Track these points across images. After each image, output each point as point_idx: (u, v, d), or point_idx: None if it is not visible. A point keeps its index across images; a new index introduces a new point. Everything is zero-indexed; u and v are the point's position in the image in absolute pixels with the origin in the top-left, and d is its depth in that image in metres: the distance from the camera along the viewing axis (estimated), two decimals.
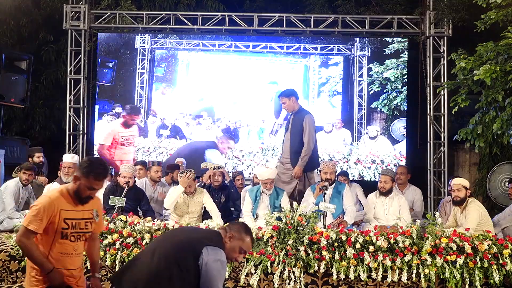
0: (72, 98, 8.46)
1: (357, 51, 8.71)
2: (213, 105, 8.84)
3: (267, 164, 6.07)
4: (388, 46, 8.66)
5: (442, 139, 8.21)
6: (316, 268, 4.15)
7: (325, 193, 5.07)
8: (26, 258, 4.30)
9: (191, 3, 10.21)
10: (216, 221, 4.84)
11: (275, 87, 8.73)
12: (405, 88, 8.62)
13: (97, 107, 8.73)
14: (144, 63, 8.79)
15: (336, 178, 5.58)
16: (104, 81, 8.73)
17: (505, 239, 4.38)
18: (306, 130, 5.47)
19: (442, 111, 8.21)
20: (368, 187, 6.62)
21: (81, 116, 8.44)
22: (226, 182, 6.31)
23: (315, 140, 5.60)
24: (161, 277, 2.69)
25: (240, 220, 5.00)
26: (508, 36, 5.31)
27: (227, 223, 3.28)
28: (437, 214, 4.54)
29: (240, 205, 6.13)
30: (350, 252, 4.16)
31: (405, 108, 8.60)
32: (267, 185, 5.17)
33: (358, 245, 4.19)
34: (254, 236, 4.37)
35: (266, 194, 5.25)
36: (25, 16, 9.37)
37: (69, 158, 5.77)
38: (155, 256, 2.75)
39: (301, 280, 4.13)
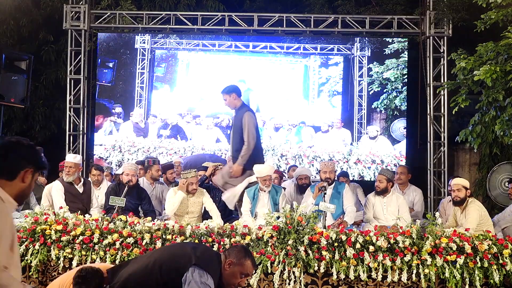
0: (72, 98, 8.45)
1: (357, 51, 8.71)
2: (213, 105, 8.83)
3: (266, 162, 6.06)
4: (388, 46, 8.65)
5: (442, 139, 8.20)
6: (316, 268, 4.15)
7: (325, 193, 5.07)
8: (26, 258, 4.32)
9: (191, 3, 10.20)
10: (216, 221, 4.84)
11: (243, 85, 8.73)
12: (405, 88, 8.62)
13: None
14: (144, 63, 8.79)
15: (336, 179, 5.58)
16: (104, 81, 8.73)
17: (505, 239, 4.38)
18: (246, 127, 5.40)
19: (442, 111, 8.20)
20: (368, 187, 6.62)
21: (81, 116, 8.44)
22: None
23: (256, 138, 5.48)
24: (142, 279, 2.82)
25: (240, 219, 5.00)
26: (508, 36, 5.32)
27: (227, 249, 3.39)
28: (437, 214, 4.54)
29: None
30: (350, 252, 4.16)
31: (405, 108, 8.60)
32: (266, 181, 5.16)
33: (358, 245, 4.19)
34: (254, 236, 4.38)
35: (264, 191, 5.24)
36: (25, 16, 9.36)
37: (71, 158, 5.75)
38: (149, 259, 2.90)
39: (301, 280, 4.14)
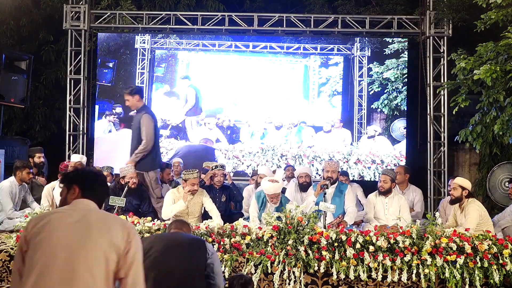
0: (72, 98, 8.46)
1: (357, 51, 8.71)
2: (214, 105, 8.84)
3: (274, 175, 5.84)
4: (388, 46, 8.65)
5: (442, 139, 8.21)
6: (316, 268, 4.15)
7: (325, 193, 5.06)
8: None
9: (191, 3, 10.21)
10: (216, 221, 4.84)
11: (187, 82, 8.77)
12: (405, 88, 8.62)
13: (97, 107, 8.72)
14: (144, 63, 8.79)
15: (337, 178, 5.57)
16: (104, 81, 8.73)
17: (505, 239, 4.38)
18: (143, 128, 5.46)
19: (442, 111, 8.21)
20: (368, 187, 6.62)
21: (81, 116, 8.44)
22: (227, 183, 6.30)
23: (155, 140, 5.53)
24: (194, 275, 2.98)
25: (240, 220, 4.94)
26: (508, 36, 5.32)
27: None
28: (437, 214, 4.54)
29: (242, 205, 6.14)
30: (350, 252, 4.16)
31: (405, 108, 8.60)
32: (273, 199, 5.09)
33: (358, 245, 4.19)
34: (254, 236, 4.39)
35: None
36: (25, 16, 9.37)
37: (77, 158, 5.74)
38: (179, 262, 2.97)
39: (301, 280, 4.14)
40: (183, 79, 8.79)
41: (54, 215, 2.11)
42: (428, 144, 8.28)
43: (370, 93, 8.66)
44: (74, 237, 2.02)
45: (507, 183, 6.84)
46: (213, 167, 6.10)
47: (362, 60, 8.70)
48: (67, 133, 8.48)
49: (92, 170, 2.44)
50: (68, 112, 8.46)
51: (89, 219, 2.10)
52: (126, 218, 4.65)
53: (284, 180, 6.75)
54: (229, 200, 6.04)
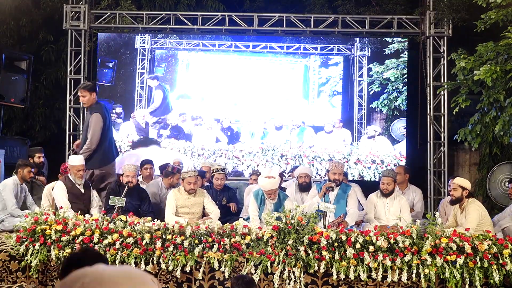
0: (72, 98, 8.45)
1: (357, 51, 8.70)
2: (214, 105, 8.83)
3: (271, 171, 5.80)
4: (388, 46, 8.65)
5: (442, 139, 8.21)
6: (316, 268, 4.15)
7: (325, 194, 5.06)
8: (26, 258, 4.32)
9: (191, 3, 10.19)
10: (216, 222, 4.85)
11: (155, 82, 8.77)
12: (405, 88, 8.62)
13: None
14: (144, 63, 8.78)
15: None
16: (104, 81, 8.72)
17: (505, 239, 4.39)
18: (91, 126, 5.51)
19: (442, 111, 8.21)
20: (368, 187, 6.62)
21: (81, 116, 8.44)
22: (227, 183, 6.30)
23: (101, 139, 5.55)
24: None
25: (247, 223, 4.90)
26: (508, 36, 5.32)
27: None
28: (437, 214, 4.55)
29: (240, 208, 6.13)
30: (350, 252, 4.17)
31: (405, 108, 8.60)
32: (271, 195, 5.10)
33: (358, 245, 4.19)
34: (254, 236, 4.39)
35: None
36: (25, 16, 9.36)
37: (80, 161, 5.66)
38: None
39: (301, 280, 4.14)
40: (152, 79, 8.76)
41: (89, 271, 2.16)
42: (428, 144, 8.28)
43: (370, 93, 8.66)
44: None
45: (507, 183, 6.84)
46: (214, 170, 6.08)
47: (362, 60, 8.70)
48: (67, 133, 8.48)
49: (72, 253, 2.53)
50: (68, 112, 8.46)
51: (124, 269, 2.23)
52: (126, 218, 4.65)
53: (286, 180, 6.76)
54: (230, 202, 6.04)
